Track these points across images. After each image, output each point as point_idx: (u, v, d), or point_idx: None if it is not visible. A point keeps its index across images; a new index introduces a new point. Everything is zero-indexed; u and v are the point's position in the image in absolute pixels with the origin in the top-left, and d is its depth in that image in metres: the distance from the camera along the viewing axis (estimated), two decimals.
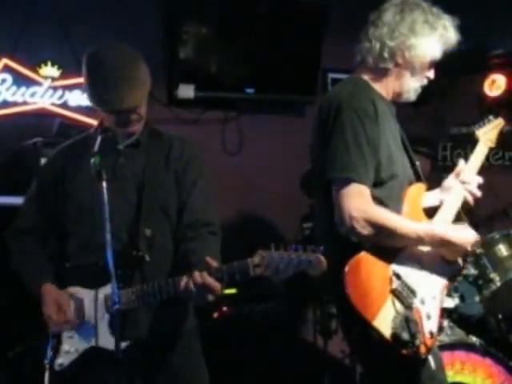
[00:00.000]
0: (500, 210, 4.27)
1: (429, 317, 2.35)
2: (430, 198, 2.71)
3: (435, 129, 5.24)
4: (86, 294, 2.48)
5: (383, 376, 2.37)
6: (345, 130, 2.32)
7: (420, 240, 2.35)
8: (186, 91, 4.65)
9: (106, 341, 2.40)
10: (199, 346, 2.67)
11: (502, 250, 3.76)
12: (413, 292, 2.34)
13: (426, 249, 2.41)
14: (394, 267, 2.34)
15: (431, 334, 2.32)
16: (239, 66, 4.84)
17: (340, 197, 2.28)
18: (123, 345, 2.28)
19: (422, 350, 2.27)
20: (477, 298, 3.71)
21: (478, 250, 3.56)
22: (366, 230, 2.26)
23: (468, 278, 3.67)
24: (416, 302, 2.33)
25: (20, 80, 4.13)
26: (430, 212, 2.56)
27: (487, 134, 2.81)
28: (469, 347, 3.24)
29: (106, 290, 2.42)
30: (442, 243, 2.37)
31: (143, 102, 2.51)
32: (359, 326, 2.26)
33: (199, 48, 4.67)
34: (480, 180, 2.72)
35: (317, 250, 2.21)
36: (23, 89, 4.15)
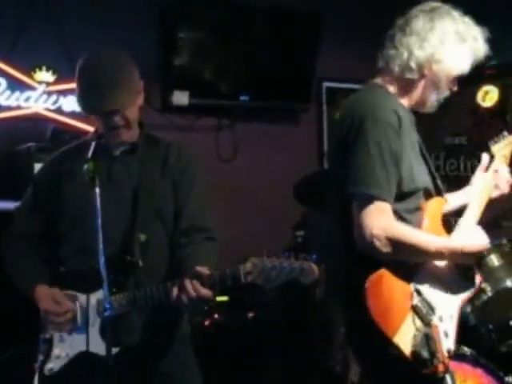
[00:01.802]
0: (492, 220, 4.28)
1: (446, 335, 2.30)
2: (459, 196, 2.65)
3: (428, 138, 5.25)
4: (78, 299, 2.48)
5: None
6: (369, 142, 2.23)
7: (441, 256, 2.30)
8: (181, 98, 4.66)
9: (97, 346, 2.39)
10: (192, 352, 2.67)
11: (494, 260, 3.76)
12: (432, 309, 2.29)
13: (443, 264, 2.35)
14: (415, 283, 2.29)
15: (449, 352, 2.27)
16: (234, 74, 4.86)
17: (361, 213, 2.20)
18: (114, 350, 2.27)
19: (440, 368, 2.22)
20: (468, 308, 3.71)
21: None
22: (386, 248, 2.19)
23: None
24: (435, 320, 2.27)
25: (14, 84, 4.13)
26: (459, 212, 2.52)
27: (502, 150, 2.73)
28: (460, 357, 3.24)
29: (98, 295, 2.41)
30: (462, 256, 2.30)
31: (131, 108, 2.51)
32: (378, 343, 2.20)
33: (194, 55, 4.69)
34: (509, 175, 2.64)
35: (309, 258, 2.20)
36: (17, 93, 4.14)
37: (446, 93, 2.47)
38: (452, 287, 2.38)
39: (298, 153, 5.26)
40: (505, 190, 2.63)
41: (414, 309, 2.24)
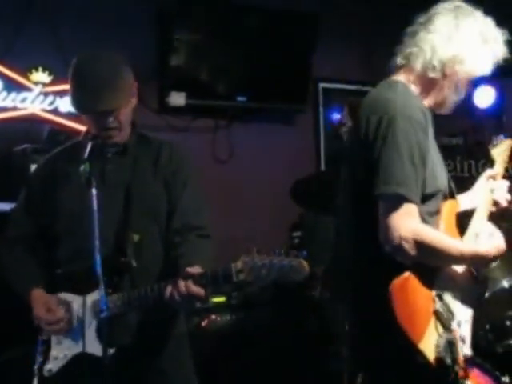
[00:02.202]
0: (491, 222, 4.28)
1: (463, 340, 2.27)
2: (465, 200, 2.62)
3: None
4: (74, 300, 2.48)
5: None
6: (399, 142, 2.15)
7: (463, 260, 2.25)
8: (178, 99, 4.66)
9: (94, 347, 2.39)
10: (189, 352, 2.67)
11: None
12: (452, 314, 2.25)
13: (460, 269, 2.32)
14: (436, 287, 2.24)
15: (466, 357, 2.24)
16: (231, 75, 4.87)
17: (389, 215, 2.12)
18: (111, 351, 2.28)
19: (461, 374, 2.18)
20: None
21: None
22: (414, 251, 2.11)
23: None
24: (454, 325, 2.23)
25: (10, 85, 4.13)
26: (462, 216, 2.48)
27: (501, 154, 2.73)
28: None
29: (93, 296, 2.41)
30: (482, 261, 2.28)
31: (124, 109, 2.51)
32: (400, 348, 2.15)
33: (191, 56, 4.69)
34: (507, 183, 2.65)
35: (299, 254, 2.21)
36: (13, 94, 4.14)
37: (463, 94, 2.42)
38: (467, 291, 2.35)
39: (295, 153, 5.26)
40: (503, 204, 2.63)
41: (436, 314, 2.20)
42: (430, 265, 2.23)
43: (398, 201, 2.13)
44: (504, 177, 2.69)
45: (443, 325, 2.20)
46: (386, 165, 2.15)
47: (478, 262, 2.29)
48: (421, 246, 2.12)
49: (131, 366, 2.46)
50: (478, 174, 5.63)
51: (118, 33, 4.45)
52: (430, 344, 2.15)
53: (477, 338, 3.76)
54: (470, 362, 3.23)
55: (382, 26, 5.39)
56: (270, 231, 4.95)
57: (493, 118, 5.24)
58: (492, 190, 2.59)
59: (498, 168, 2.67)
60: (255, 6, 4.86)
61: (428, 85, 2.36)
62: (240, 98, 4.92)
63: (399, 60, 2.38)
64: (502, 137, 2.77)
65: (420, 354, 2.13)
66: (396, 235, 2.11)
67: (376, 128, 2.20)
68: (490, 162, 2.71)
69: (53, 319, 2.47)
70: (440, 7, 2.35)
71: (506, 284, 3.69)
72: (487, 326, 3.72)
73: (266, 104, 5.08)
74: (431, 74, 2.31)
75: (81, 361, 2.44)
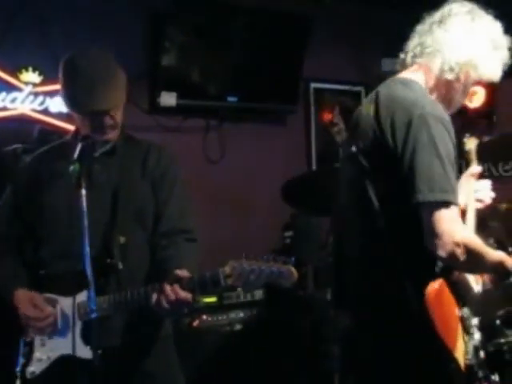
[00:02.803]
0: (479, 220, 4.30)
1: (480, 345, 2.29)
2: None
3: None
4: (59, 301, 2.47)
5: None
6: (436, 143, 2.09)
7: (493, 269, 2.27)
8: (168, 99, 4.65)
9: (79, 348, 2.38)
10: (175, 353, 2.66)
11: None
12: (470, 319, 2.27)
13: (472, 276, 2.36)
14: (458, 293, 2.26)
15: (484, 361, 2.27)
16: (222, 75, 4.86)
17: (440, 221, 2.07)
18: (97, 352, 2.27)
19: (483, 380, 2.21)
20: None
21: None
22: (463, 256, 2.09)
23: None
24: (473, 330, 2.26)
25: (0, 85, 4.09)
26: None
27: (471, 153, 2.78)
28: None
29: (79, 298, 2.41)
30: (504, 270, 2.28)
31: (119, 109, 2.51)
32: (433, 356, 2.12)
33: (182, 56, 4.68)
34: (489, 183, 2.68)
35: (288, 261, 2.20)
36: (3, 94, 4.11)
37: (467, 96, 2.41)
38: (476, 301, 2.38)
39: (286, 154, 5.26)
40: (487, 201, 2.66)
41: (461, 320, 2.22)
42: (465, 272, 2.25)
43: (446, 207, 2.08)
44: (481, 175, 2.71)
45: (466, 331, 2.21)
46: (426, 170, 2.09)
47: (501, 270, 2.28)
48: (468, 250, 2.10)
49: (117, 368, 2.44)
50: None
51: (109, 33, 4.44)
52: (460, 351, 2.15)
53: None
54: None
55: (372, 27, 5.40)
56: (261, 231, 4.95)
57: (483, 117, 5.26)
58: (475, 191, 2.61)
59: (475, 166, 2.69)
60: (246, 7, 4.85)
61: (442, 85, 2.32)
62: (231, 99, 4.92)
63: (409, 58, 2.35)
64: (467, 135, 2.80)
65: (455, 362, 2.12)
66: (450, 241, 2.07)
67: (406, 130, 2.13)
68: (466, 162, 2.73)
69: (41, 315, 2.45)
70: (455, 7, 2.32)
71: None
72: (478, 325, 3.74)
73: (257, 104, 5.08)
74: (447, 76, 2.28)
75: (65, 363, 2.43)
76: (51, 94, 4.19)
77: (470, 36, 2.27)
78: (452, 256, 2.08)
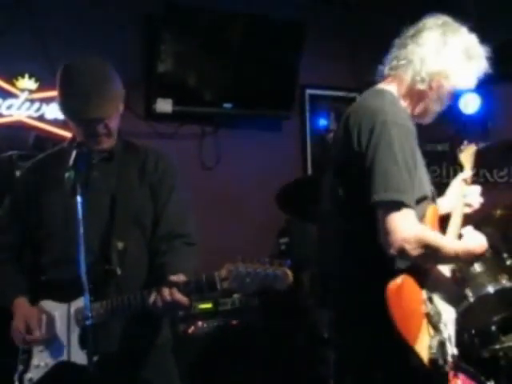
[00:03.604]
0: (473, 226, 4.31)
1: (450, 340, 2.33)
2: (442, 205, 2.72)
3: None
4: (57, 308, 2.47)
5: None
6: (394, 147, 2.20)
7: (457, 258, 2.34)
8: (164, 105, 4.66)
9: (77, 355, 2.38)
10: (173, 359, 2.66)
11: (475, 266, 3.79)
12: (439, 316, 2.32)
13: (446, 270, 2.42)
14: (426, 290, 2.32)
15: (453, 357, 2.31)
16: (217, 81, 4.88)
17: (390, 219, 2.18)
18: (94, 359, 2.27)
19: (450, 374, 2.28)
20: None
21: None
22: (415, 251, 2.18)
23: None
24: (442, 326, 2.31)
25: None
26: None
27: (468, 159, 2.86)
28: None
29: (77, 304, 2.41)
30: (472, 258, 2.39)
31: (113, 117, 2.51)
32: (396, 350, 2.21)
33: (178, 62, 4.69)
34: (479, 188, 2.76)
35: (283, 263, 2.21)
36: None
37: (445, 105, 2.49)
38: (451, 292, 2.44)
39: (282, 160, 5.27)
40: (475, 206, 2.75)
41: (427, 316, 2.27)
42: (428, 265, 2.32)
43: (397, 206, 2.18)
44: (473, 181, 2.82)
45: (433, 326, 2.27)
46: (383, 172, 2.20)
47: (467, 259, 2.39)
48: (421, 245, 2.19)
49: (114, 375, 2.44)
50: None
51: (105, 40, 4.45)
52: (423, 346, 2.21)
53: (462, 343, 3.80)
54: (455, 366, 3.27)
55: (368, 33, 5.42)
56: (256, 237, 4.95)
57: (478, 124, 5.27)
58: (465, 196, 2.70)
59: (468, 172, 2.80)
60: (241, 14, 4.87)
61: (414, 96, 2.43)
62: (226, 105, 4.93)
63: (387, 70, 2.46)
64: (466, 143, 2.92)
65: (416, 356, 2.19)
66: (397, 237, 2.16)
67: (369, 136, 2.24)
68: (460, 167, 2.84)
69: (28, 340, 2.47)
70: (428, 22, 2.43)
71: (491, 289, 3.71)
72: (473, 331, 3.75)
73: (253, 111, 5.10)
74: (419, 86, 2.39)
75: (62, 369, 2.43)
76: (47, 100, 4.20)
77: (441, 48, 2.37)
78: (402, 252, 2.18)
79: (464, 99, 5.12)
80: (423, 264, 2.29)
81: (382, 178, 2.19)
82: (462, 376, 3.23)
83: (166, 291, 2.31)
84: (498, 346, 3.70)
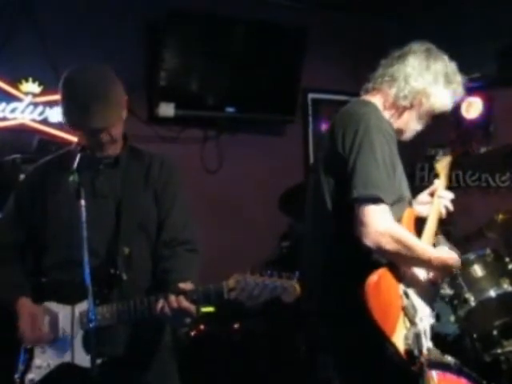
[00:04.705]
0: (476, 231, 4.32)
1: (425, 334, 2.47)
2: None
3: (412, 150, 5.29)
4: (61, 310, 2.47)
5: None
6: (375, 149, 2.38)
7: (428, 262, 2.46)
8: (167, 109, 4.68)
9: (80, 357, 2.39)
10: (175, 363, 2.66)
11: (477, 270, 3.80)
12: (415, 310, 2.45)
13: (421, 272, 2.53)
14: (403, 286, 2.44)
15: (429, 350, 2.46)
16: (220, 85, 4.89)
17: (367, 213, 2.32)
18: (97, 361, 2.27)
19: (424, 365, 2.38)
20: (452, 318, 3.74)
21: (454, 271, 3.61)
22: (389, 245, 2.31)
23: (444, 297, 3.70)
24: (417, 320, 2.44)
25: (0, 96, 4.12)
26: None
27: (444, 168, 3.01)
28: (444, 367, 3.25)
29: (81, 307, 2.41)
30: (444, 267, 2.50)
31: (117, 124, 2.51)
32: (374, 341, 2.33)
33: (180, 67, 4.71)
34: (452, 195, 2.88)
35: (292, 276, 2.21)
36: (3, 104, 4.13)
37: (423, 126, 2.68)
38: (426, 291, 2.56)
39: (284, 164, 5.28)
40: (451, 209, 2.87)
41: (404, 309, 2.40)
42: (402, 265, 2.44)
43: (375, 202, 2.33)
44: (449, 188, 2.97)
45: (410, 320, 2.40)
46: (363, 170, 2.36)
47: (438, 267, 2.50)
48: (395, 240, 2.32)
49: (117, 378, 2.44)
50: (466, 184, 5.69)
51: (108, 44, 4.47)
52: (400, 337, 2.35)
53: (464, 348, 3.80)
54: (457, 371, 3.28)
55: (370, 38, 5.44)
56: (258, 241, 4.96)
57: (480, 128, 5.28)
58: (439, 197, 2.84)
59: (443, 180, 2.96)
60: (244, 18, 4.88)
61: (396, 111, 2.62)
62: (229, 109, 4.94)
63: (372, 85, 2.65)
64: (441, 153, 3.10)
65: (393, 346, 2.32)
66: (373, 230, 2.31)
67: (353, 138, 2.41)
68: (435, 175, 2.99)
69: (35, 337, 2.47)
70: (413, 46, 2.64)
71: (493, 293, 3.72)
72: (474, 336, 3.75)
73: (255, 115, 5.11)
74: (402, 102, 2.58)
75: (65, 371, 2.43)
76: (51, 104, 4.21)
77: (424, 71, 2.58)
78: (376, 244, 2.31)
79: (466, 104, 5.13)
80: (397, 262, 2.41)
81: (362, 177, 2.35)
82: (463, 380, 3.25)
83: (173, 298, 2.31)
84: (499, 351, 3.70)
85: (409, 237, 2.40)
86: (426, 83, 2.57)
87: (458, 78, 2.64)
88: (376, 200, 2.33)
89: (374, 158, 2.36)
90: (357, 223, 2.34)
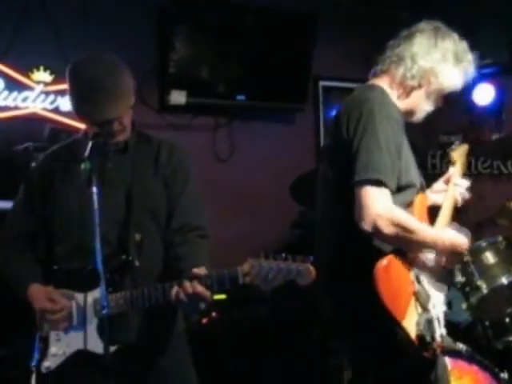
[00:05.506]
0: (488, 218, 4.31)
1: (439, 321, 2.44)
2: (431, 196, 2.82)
3: (424, 137, 5.28)
4: (74, 297, 2.49)
5: (400, 376, 2.43)
6: (378, 133, 2.35)
7: (434, 245, 2.42)
8: (178, 97, 4.68)
9: (94, 344, 2.40)
10: (188, 349, 2.68)
11: (489, 257, 3.79)
12: (428, 296, 2.42)
13: (432, 257, 2.49)
14: (414, 271, 2.42)
15: (442, 337, 2.42)
16: (231, 73, 4.88)
17: (366, 195, 2.30)
18: (112, 349, 2.29)
19: (437, 351, 2.37)
20: (464, 305, 3.74)
21: (466, 258, 3.60)
22: (388, 229, 2.28)
23: (456, 285, 3.70)
24: (430, 306, 2.41)
25: (12, 84, 4.13)
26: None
27: (460, 157, 2.96)
28: (455, 354, 3.26)
29: (94, 294, 2.42)
30: (452, 249, 2.45)
31: (126, 113, 2.51)
32: (385, 326, 2.31)
33: (191, 54, 4.70)
34: (468, 183, 2.85)
35: (306, 259, 2.19)
36: (15, 93, 4.14)
37: (433, 107, 2.63)
38: (440, 277, 2.54)
39: (295, 152, 5.28)
40: (467, 196, 2.86)
41: (416, 295, 2.37)
42: (406, 249, 2.40)
43: (376, 184, 2.31)
44: (471, 175, 2.98)
45: (422, 305, 2.38)
46: (366, 154, 2.34)
47: (445, 250, 2.45)
48: (394, 224, 2.29)
49: (131, 364, 2.46)
50: (477, 171, 5.67)
51: (119, 32, 4.47)
52: (411, 322, 2.32)
53: (476, 335, 3.80)
54: (469, 358, 3.29)
55: (381, 25, 5.40)
56: (270, 229, 4.97)
57: (492, 115, 5.25)
58: (455, 185, 2.81)
59: (459, 168, 2.92)
60: (255, 6, 4.87)
61: (404, 92, 2.57)
62: (240, 97, 4.93)
63: (380, 67, 2.61)
64: (457, 142, 3.09)
65: (403, 331, 2.30)
66: (370, 212, 2.28)
67: (357, 122, 2.39)
68: (452, 163, 2.95)
69: (56, 308, 2.46)
70: (421, 26, 2.59)
71: (504, 281, 3.72)
72: (486, 323, 3.74)
73: (266, 102, 5.10)
74: (409, 82, 2.54)
75: (80, 358, 2.45)
76: (62, 92, 4.21)
77: (432, 49, 2.53)
78: (374, 227, 2.28)
79: (478, 90, 5.10)
80: (400, 247, 2.37)
81: (365, 161, 2.33)
82: (475, 367, 3.25)
83: (187, 284, 2.31)
84: (511, 338, 3.70)
85: (409, 220, 2.34)
86: (434, 61, 2.52)
87: (469, 57, 2.58)
88: (377, 183, 2.30)
89: (377, 143, 2.34)
90: (355, 206, 2.32)
